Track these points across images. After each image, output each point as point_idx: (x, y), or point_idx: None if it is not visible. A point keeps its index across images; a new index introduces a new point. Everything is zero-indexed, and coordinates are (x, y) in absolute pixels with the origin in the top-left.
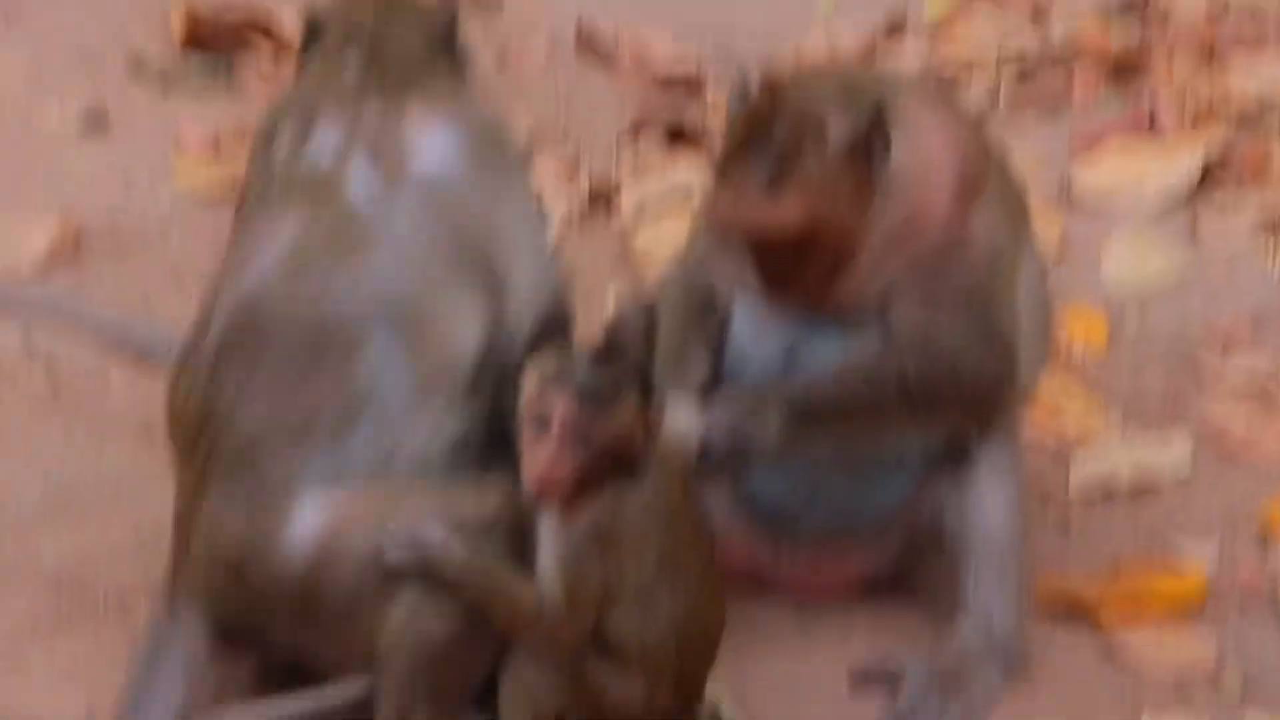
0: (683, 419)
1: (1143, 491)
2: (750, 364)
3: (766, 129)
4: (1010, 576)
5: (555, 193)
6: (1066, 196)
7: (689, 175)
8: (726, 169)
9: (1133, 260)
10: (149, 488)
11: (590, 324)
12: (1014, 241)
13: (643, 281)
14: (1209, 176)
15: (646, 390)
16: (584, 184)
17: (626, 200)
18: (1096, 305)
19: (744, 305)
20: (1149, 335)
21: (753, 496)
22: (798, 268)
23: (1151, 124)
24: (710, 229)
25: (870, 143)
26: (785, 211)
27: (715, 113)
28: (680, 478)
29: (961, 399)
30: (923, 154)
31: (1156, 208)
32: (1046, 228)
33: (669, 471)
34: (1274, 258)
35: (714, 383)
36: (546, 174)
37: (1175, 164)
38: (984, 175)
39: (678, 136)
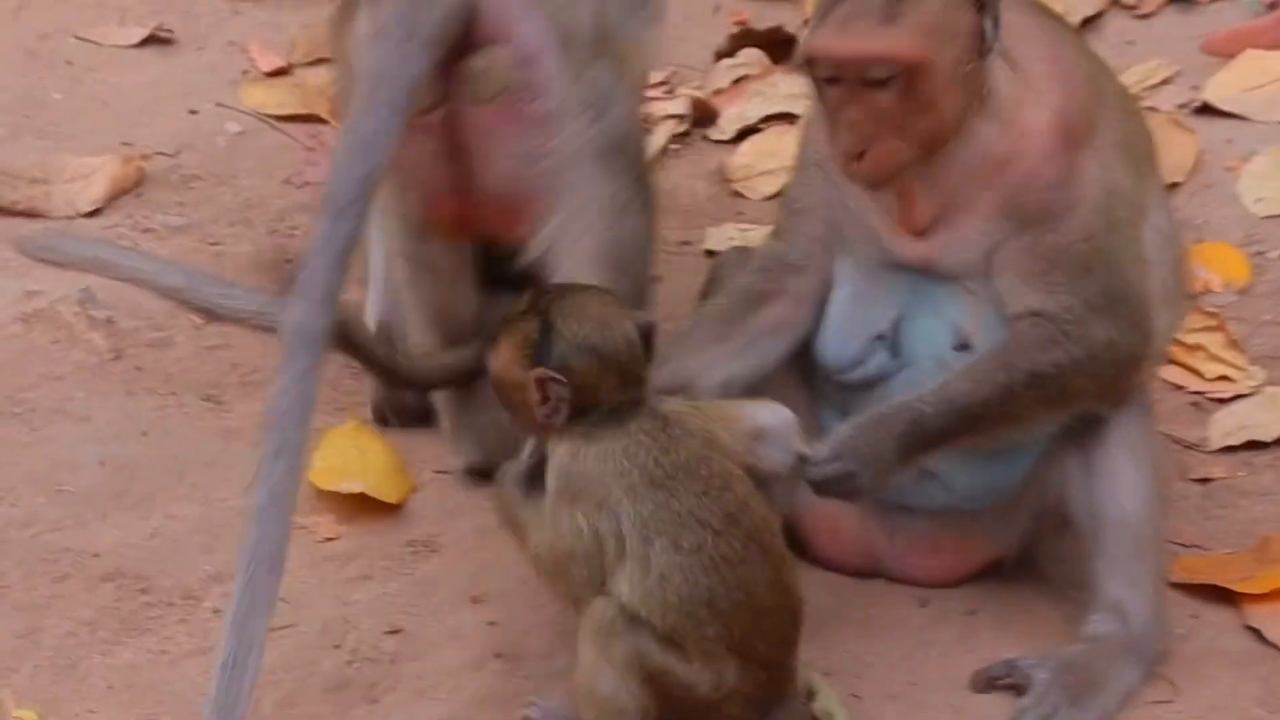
0: (770, 423)
1: None
2: (853, 335)
3: None
4: (1146, 563)
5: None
6: (1197, 110)
7: (790, 91)
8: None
9: (1274, 182)
10: (217, 464)
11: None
12: (1136, 183)
13: (741, 204)
14: None
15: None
16: (682, 101)
17: (726, 119)
18: (1234, 236)
19: (847, 273)
20: None
21: None
22: (890, 125)
23: None
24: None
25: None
26: (899, 41)
27: None
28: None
29: (1096, 381)
30: (1025, 85)
31: None
32: (1175, 147)
33: (667, 430)
34: None
35: (808, 359)
36: None
37: None
38: (1094, 116)
39: (777, 49)
